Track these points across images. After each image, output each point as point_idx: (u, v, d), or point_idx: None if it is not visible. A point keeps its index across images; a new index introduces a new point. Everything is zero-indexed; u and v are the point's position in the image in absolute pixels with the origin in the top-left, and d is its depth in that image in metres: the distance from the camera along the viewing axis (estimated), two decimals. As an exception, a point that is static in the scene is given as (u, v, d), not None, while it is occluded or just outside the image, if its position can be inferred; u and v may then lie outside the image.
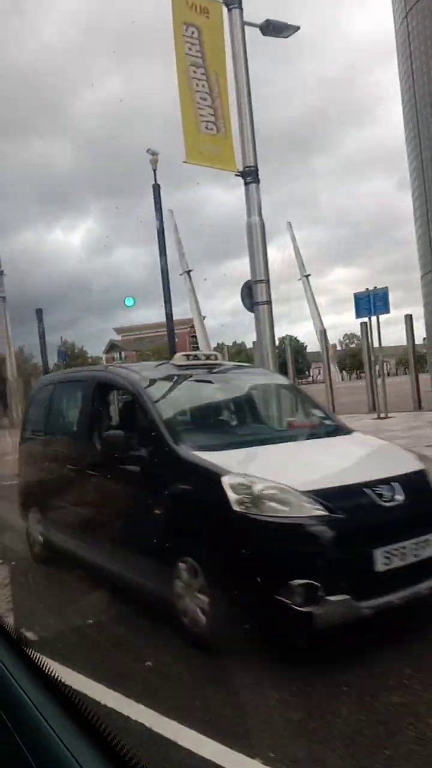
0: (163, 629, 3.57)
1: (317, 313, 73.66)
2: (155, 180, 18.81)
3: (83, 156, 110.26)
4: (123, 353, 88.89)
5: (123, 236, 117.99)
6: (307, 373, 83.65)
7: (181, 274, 63.32)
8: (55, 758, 0.68)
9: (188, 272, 63.12)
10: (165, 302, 20.61)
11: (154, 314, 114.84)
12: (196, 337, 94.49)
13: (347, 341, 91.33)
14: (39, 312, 38.69)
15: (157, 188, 18.67)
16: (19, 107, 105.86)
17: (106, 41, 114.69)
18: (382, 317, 15.12)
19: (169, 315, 21.37)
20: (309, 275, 72.48)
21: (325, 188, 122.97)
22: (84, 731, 0.72)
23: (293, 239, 71.88)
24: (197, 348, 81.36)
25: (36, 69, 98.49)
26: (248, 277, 9.13)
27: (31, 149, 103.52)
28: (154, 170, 19.04)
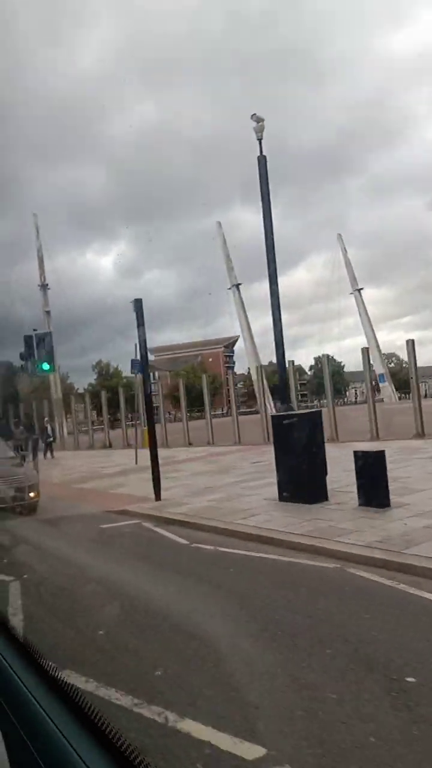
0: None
1: (371, 328, 71.46)
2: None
3: (114, 181, 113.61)
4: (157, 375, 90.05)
5: (152, 260, 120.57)
6: (343, 392, 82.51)
7: (229, 288, 62.82)
8: (58, 754, 0.70)
9: (237, 286, 61.86)
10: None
11: (183, 335, 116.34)
12: (230, 356, 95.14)
13: (386, 361, 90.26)
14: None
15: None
16: (56, 134, 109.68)
17: (139, 68, 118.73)
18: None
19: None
20: (362, 289, 71.12)
21: (355, 209, 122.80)
22: (87, 728, 0.74)
23: (344, 252, 70.67)
24: (232, 367, 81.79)
25: (72, 96, 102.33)
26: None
27: (65, 175, 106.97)
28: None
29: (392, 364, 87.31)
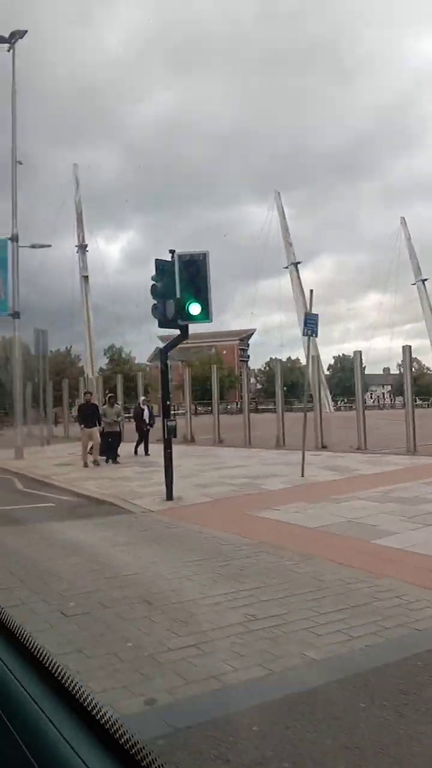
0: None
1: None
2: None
3: (130, 167, 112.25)
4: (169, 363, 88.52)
5: (162, 249, 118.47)
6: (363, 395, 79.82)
7: (286, 267, 57.95)
8: (53, 750, 0.67)
9: (295, 264, 56.84)
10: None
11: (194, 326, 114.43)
12: (245, 350, 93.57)
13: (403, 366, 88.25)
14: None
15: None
16: (75, 115, 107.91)
17: (165, 53, 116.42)
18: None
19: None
20: (426, 279, 64.63)
21: (367, 213, 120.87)
22: (84, 723, 0.70)
23: (408, 239, 65.25)
24: (246, 361, 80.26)
25: (96, 78, 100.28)
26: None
27: (81, 158, 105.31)
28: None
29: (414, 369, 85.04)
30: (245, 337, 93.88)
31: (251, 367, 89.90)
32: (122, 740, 0.67)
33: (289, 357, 75.14)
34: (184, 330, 9.91)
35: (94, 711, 0.72)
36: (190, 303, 9.61)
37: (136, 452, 16.07)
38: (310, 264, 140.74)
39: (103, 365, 67.27)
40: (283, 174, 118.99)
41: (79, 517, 8.88)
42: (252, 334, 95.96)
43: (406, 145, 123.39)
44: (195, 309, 9.66)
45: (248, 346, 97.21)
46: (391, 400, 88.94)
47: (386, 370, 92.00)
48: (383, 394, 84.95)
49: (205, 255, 9.88)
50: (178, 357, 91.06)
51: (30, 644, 0.87)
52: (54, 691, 0.76)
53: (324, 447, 16.31)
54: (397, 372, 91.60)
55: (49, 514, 9.35)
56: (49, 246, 20.83)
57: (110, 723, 0.70)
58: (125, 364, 66.38)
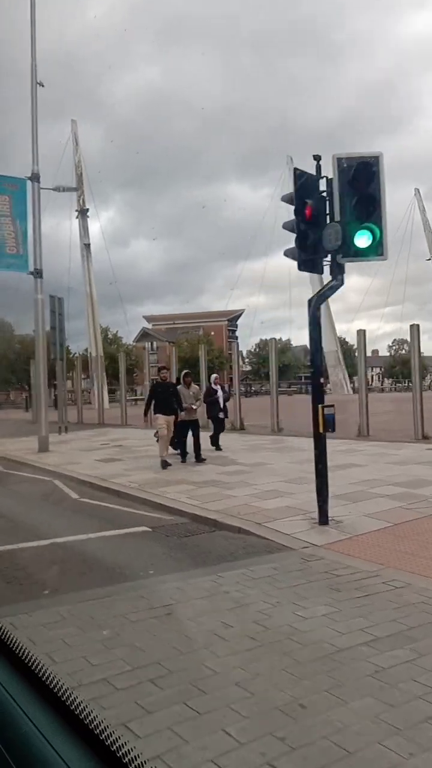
0: None
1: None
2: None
3: (111, 143, 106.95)
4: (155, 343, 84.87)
5: (142, 228, 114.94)
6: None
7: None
8: (35, 752, 0.64)
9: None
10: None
11: (166, 308, 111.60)
12: (233, 331, 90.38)
13: (396, 347, 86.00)
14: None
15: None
16: (56, 89, 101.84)
17: (149, 27, 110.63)
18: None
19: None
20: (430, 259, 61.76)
21: None
22: (68, 725, 0.68)
23: (422, 211, 62.70)
24: (235, 339, 76.99)
25: (78, 51, 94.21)
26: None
27: (63, 132, 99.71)
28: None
29: (404, 351, 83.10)
30: (233, 317, 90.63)
31: (240, 349, 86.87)
32: (108, 741, 0.66)
33: (280, 338, 72.21)
34: (340, 272, 6.66)
35: (76, 706, 0.70)
36: (360, 230, 6.38)
37: (217, 446, 12.49)
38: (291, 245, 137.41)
39: (86, 346, 63.20)
40: (270, 152, 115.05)
41: (212, 559, 5.61)
42: (241, 314, 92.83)
43: (392, 126, 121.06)
44: (363, 240, 6.43)
45: (237, 326, 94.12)
46: (380, 383, 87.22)
47: (375, 352, 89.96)
48: (372, 376, 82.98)
49: (377, 158, 6.62)
50: (164, 337, 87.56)
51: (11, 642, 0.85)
52: (33, 687, 0.74)
53: (426, 437, 13.31)
54: (387, 354, 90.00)
55: (154, 550, 6.05)
56: (75, 189, 17.08)
57: (96, 722, 0.68)
58: (112, 345, 62.52)
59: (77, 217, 42.00)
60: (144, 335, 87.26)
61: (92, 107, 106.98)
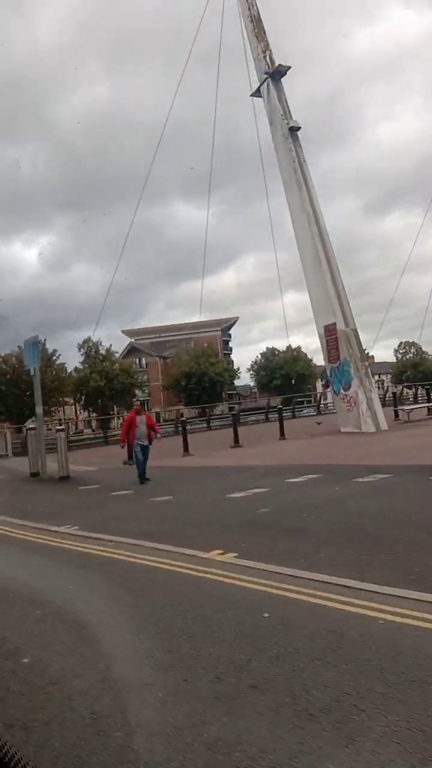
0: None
1: None
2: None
3: (55, 165, 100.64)
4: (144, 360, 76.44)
5: (85, 252, 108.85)
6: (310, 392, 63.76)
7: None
8: None
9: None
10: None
11: (106, 335, 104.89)
12: (227, 341, 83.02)
13: (404, 350, 79.69)
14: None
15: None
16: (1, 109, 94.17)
17: (99, 47, 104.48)
18: None
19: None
20: None
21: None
22: None
23: None
24: (230, 351, 69.54)
25: (25, 71, 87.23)
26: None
27: (3, 154, 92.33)
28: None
29: (411, 354, 76.97)
30: (227, 326, 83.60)
31: (232, 360, 79.36)
32: None
33: (289, 345, 65.10)
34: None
35: None
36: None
37: None
38: (232, 264, 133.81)
39: (78, 362, 55.16)
40: (213, 172, 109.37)
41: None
42: (234, 323, 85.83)
43: (334, 140, 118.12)
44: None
45: (230, 336, 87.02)
46: (398, 392, 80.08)
47: (371, 358, 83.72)
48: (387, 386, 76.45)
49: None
50: (154, 352, 79.66)
51: None
52: None
53: None
54: (394, 359, 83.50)
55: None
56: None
57: None
58: (104, 361, 54.39)
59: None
60: (131, 350, 79.17)
61: (37, 127, 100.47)
